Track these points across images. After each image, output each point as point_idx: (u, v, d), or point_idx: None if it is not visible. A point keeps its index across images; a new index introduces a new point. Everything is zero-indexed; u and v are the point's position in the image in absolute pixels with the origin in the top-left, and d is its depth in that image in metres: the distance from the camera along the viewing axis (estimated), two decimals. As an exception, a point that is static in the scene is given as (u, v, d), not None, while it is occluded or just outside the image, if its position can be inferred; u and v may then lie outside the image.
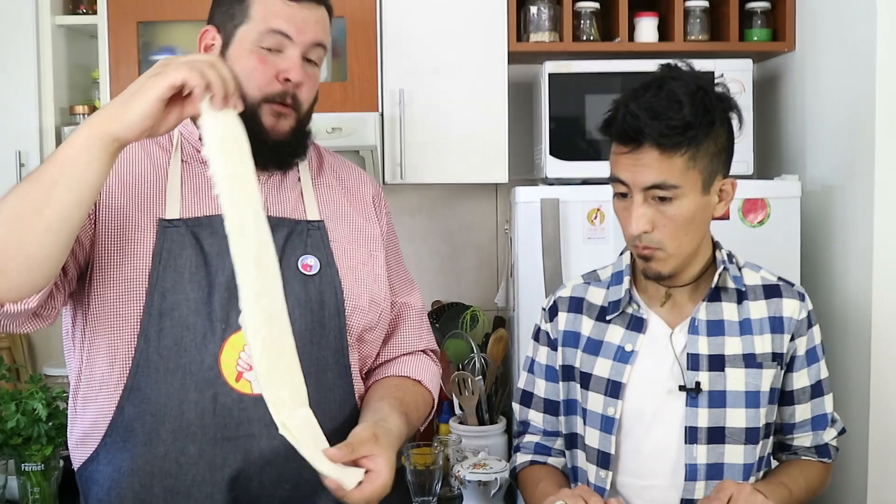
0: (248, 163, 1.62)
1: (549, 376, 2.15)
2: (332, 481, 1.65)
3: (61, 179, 1.55)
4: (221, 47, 1.87)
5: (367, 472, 1.69)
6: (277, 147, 1.86)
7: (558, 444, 2.17)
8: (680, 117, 1.84)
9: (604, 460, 2.01)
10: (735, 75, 2.96)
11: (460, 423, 2.99)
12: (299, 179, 1.98)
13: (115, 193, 1.82)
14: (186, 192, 1.87)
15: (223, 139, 1.59)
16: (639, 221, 1.90)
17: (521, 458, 2.17)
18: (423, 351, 2.14)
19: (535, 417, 2.19)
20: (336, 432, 1.79)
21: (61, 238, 1.60)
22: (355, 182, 2.09)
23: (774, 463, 2.12)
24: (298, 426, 1.63)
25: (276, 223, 1.83)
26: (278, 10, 1.83)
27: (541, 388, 2.17)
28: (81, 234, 1.74)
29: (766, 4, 3.15)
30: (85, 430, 1.85)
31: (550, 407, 2.16)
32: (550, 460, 2.16)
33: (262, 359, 1.59)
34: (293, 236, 1.89)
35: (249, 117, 1.80)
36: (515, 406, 2.24)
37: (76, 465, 1.88)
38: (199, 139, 1.84)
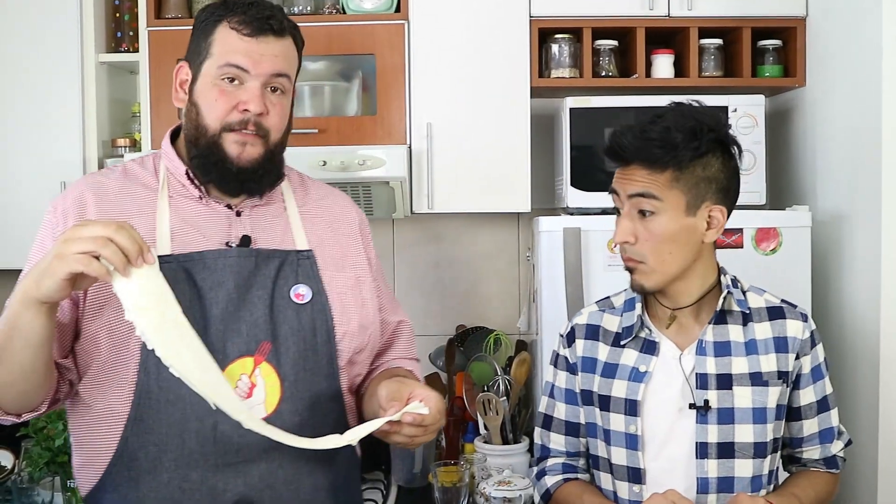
0: (170, 305, 1.66)
1: (569, 399, 2.22)
2: (411, 414, 1.73)
3: (14, 335, 1.68)
4: (191, 82, 1.93)
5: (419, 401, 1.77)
6: (245, 174, 1.90)
7: (581, 463, 2.23)
8: (667, 139, 1.96)
9: (635, 476, 2.08)
10: (748, 110, 3.05)
11: (485, 442, 3.03)
12: (285, 209, 2.01)
13: None
14: (176, 228, 1.89)
15: (137, 298, 1.63)
16: (622, 232, 2.03)
17: (552, 479, 2.22)
18: (412, 359, 2.20)
19: (557, 440, 2.24)
20: (327, 452, 1.83)
21: (38, 369, 1.75)
22: (340, 209, 2.11)
23: (783, 475, 2.19)
24: (260, 424, 1.72)
25: (266, 255, 1.90)
26: (236, 46, 1.88)
27: (561, 411, 2.23)
28: (63, 315, 1.82)
29: (777, 42, 3.24)
30: (88, 458, 1.88)
31: (572, 429, 2.22)
32: (580, 476, 2.22)
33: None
34: (284, 266, 1.91)
35: (213, 147, 1.89)
36: (537, 430, 2.29)
37: (83, 491, 1.91)
38: (186, 174, 1.93)
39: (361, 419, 2.03)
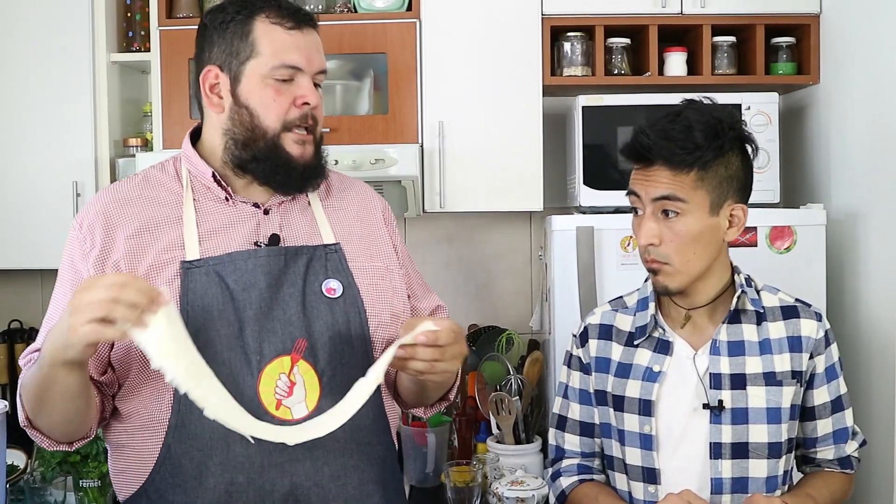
0: (190, 345, 1.63)
1: (583, 399, 2.21)
2: (423, 334, 1.71)
3: (52, 389, 1.70)
4: (230, 84, 1.90)
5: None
6: (308, 171, 1.93)
7: (597, 463, 2.23)
8: (690, 139, 1.95)
9: (650, 476, 2.08)
10: (761, 108, 3.05)
11: (498, 442, 3.02)
12: (309, 204, 2.01)
13: (135, 254, 1.86)
14: (203, 231, 1.89)
15: (161, 346, 1.58)
16: (647, 234, 2.00)
17: (567, 480, 2.21)
18: None
19: (572, 441, 2.24)
20: (370, 445, 1.87)
21: (80, 410, 1.78)
22: (363, 199, 2.11)
23: (797, 476, 2.19)
24: (300, 433, 1.72)
25: (295, 252, 1.90)
26: (286, 42, 1.88)
27: (575, 411, 2.23)
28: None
29: (791, 39, 3.23)
30: (128, 465, 1.88)
31: (586, 429, 2.22)
32: (596, 477, 2.21)
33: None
34: (313, 262, 1.91)
35: (273, 149, 1.88)
36: (551, 431, 2.29)
37: (122, 497, 1.91)
38: (213, 176, 1.92)
39: (400, 400, 2.07)
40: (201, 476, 1.79)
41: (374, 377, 1.73)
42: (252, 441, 1.67)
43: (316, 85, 1.94)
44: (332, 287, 1.90)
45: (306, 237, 1.96)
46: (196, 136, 2.00)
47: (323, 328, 1.86)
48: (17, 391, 1.83)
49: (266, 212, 1.94)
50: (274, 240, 1.91)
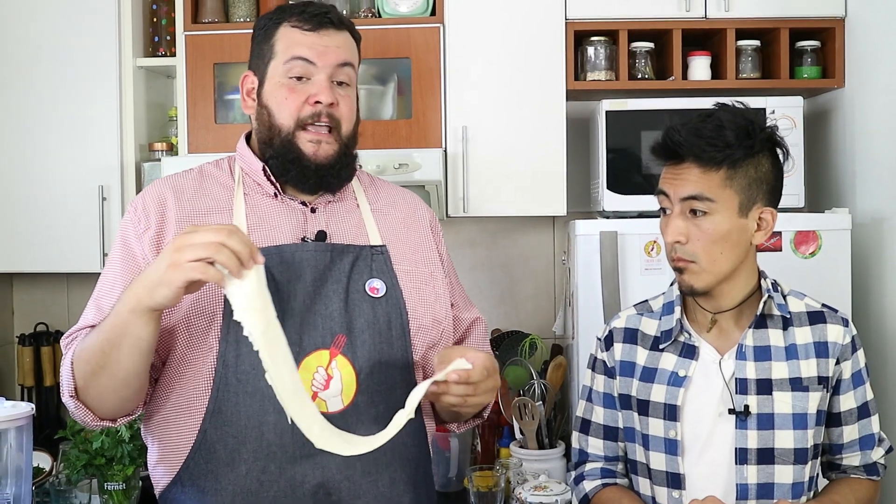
0: (271, 307, 1.67)
1: (607, 403, 2.21)
2: (455, 372, 1.74)
3: (123, 342, 1.72)
4: (257, 87, 1.99)
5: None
6: (323, 170, 1.96)
7: (620, 468, 2.23)
8: (721, 137, 1.95)
9: (675, 481, 2.08)
10: (786, 111, 3.04)
11: (521, 447, 3.02)
12: (357, 206, 2.06)
13: None
14: (253, 223, 1.94)
15: (250, 300, 1.64)
16: (674, 231, 2.01)
17: (590, 483, 2.21)
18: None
19: (595, 444, 2.24)
20: (405, 447, 1.89)
21: (141, 374, 1.81)
22: (412, 207, 2.16)
23: (823, 482, 2.18)
24: (333, 437, 1.71)
25: (341, 250, 1.94)
26: (299, 39, 1.95)
27: (599, 415, 2.23)
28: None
29: (815, 43, 3.21)
30: (165, 453, 1.91)
31: (610, 433, 2.22)
32: (619, 481, 2.21)
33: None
34: (359, 261, 1.95)
35: (287, 145, 1.94)
36: (574, 434, 2.29)
37: (158, 488, 1.94)
38: (263, 170, 1.98)
39: (436, 416, 2.08)
40: (234, 463, 1.83)
41: (408, 410, 1.75)
42: (290, 422, 1.67)
43: (341, 84, 1.97)
44: (376, 287, 1.95)
45: (353, 237, 2.00)
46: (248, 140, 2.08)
47: (363, 326, 1.90)
48: (64, 366, 1.84)
49: (313, 210, 1.99)
50: (321, 236, 1.96)
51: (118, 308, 1.72)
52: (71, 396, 1.82)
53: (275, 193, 1.98)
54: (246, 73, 2.04)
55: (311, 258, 1.91)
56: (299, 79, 1.94)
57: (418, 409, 1.95)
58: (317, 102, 1.93)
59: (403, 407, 1.76)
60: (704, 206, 1.98)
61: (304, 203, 2.00)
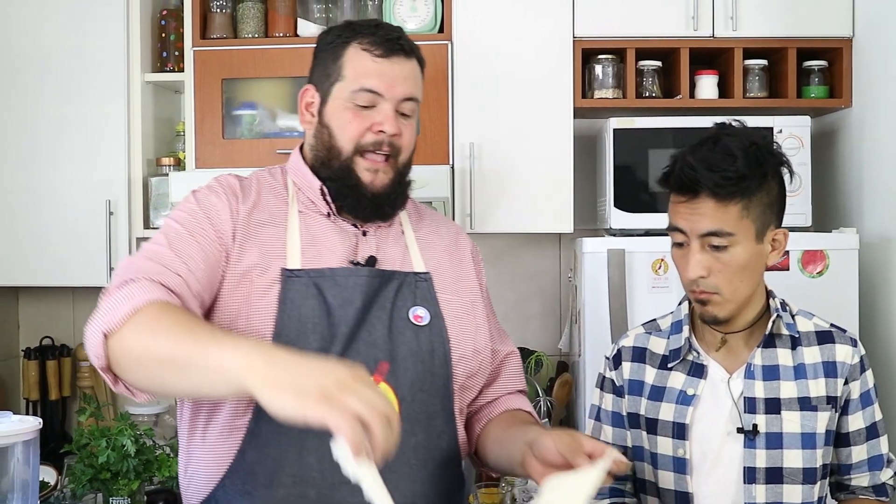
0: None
1: (616, 422, 2.20)
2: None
3: (197, 378, 1.54)
4: (319, 104, 1.96)
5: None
6: (379, 199, 1.93)
7: (629, 487, 2.21)
8: (734, 169, 1.93)
9: (683, 500, 2.07)
10: (793, 131, 3.04)
11: (526, 464, 3.02)
12: (402, 232, 2.04)
13: (243, 247, 1.86)
14: (305, 242, 1.91)
15: (378, 482, 1.45)
16: (696, 267, 1.98)
17: (599, 503, 2.18)
18: (520, 391, 2.16)
19: (604, 464, 2.24)
20: (440, 477, 1.86)
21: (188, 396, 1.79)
22: (453, 236, 2.13)
23: (832, 503, 2.16)
24: None
25: (388, 276, 1.91)
26: (369, 69, 1.90)
27: (608, 434, 2.21)
28: (206, 294, 1.79)
29: (823, 63, 3.22)
30: (201, 470, 1.87)
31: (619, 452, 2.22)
32: (628, 501, 2.20)
33: None
34: (403, 287, 1.93)
35: (345, 171, 1.91)
36: (583, 454, 2.29)
37: (190, 503, 1.89)
38: (320, 190, 1.94)
39: (479, 456, 2.05)
40: (272, 485, 1.79)
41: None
42: None
43: (404, 115, 1.94)
44: (420, 314, 1.92)
45: (399, 263, 1.97)
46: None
47: (407, 354, 1.87)
48: (108, 306, 1.65)
49: (364, 233, 1.97)
50: (371, 261, 1.93)
51: (218, 357, 1.50)
52: (105, 360, 1.67)
53: (328, 213, 1.96)
54: (307, 87, 2.00)
55: (365, 283, 1.87)
56: (364, 107, 1.91)
57: (456, 436, 1.93)
58: (380, 132, 1.91)
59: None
60: (725, 240, 1.96)
61: (355, 225, 1.97)
